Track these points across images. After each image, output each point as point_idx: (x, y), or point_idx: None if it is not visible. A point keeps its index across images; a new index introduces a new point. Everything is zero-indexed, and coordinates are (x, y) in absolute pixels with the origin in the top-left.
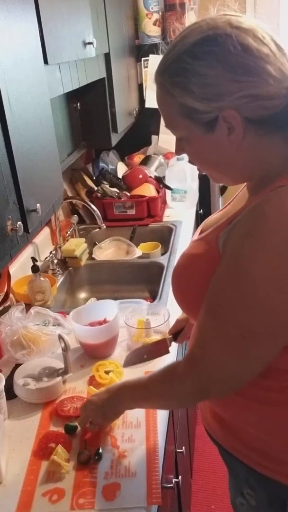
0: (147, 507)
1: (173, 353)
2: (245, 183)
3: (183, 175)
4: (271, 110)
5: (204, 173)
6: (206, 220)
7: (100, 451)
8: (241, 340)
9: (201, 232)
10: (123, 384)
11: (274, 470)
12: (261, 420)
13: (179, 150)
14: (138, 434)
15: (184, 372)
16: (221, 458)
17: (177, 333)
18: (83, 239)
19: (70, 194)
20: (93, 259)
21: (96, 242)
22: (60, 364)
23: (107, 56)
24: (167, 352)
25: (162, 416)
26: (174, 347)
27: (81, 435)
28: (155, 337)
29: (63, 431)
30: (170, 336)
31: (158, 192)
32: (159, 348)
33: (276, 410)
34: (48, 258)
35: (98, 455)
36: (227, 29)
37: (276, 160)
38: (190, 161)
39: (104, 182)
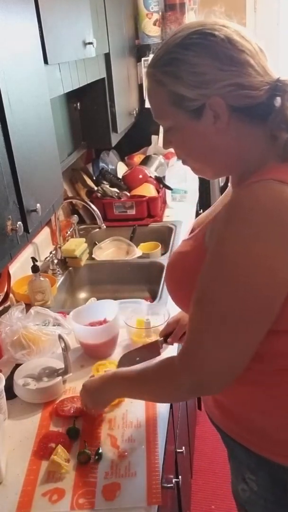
0: (147, 507)
1: (172, 351)
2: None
3: (183, 175)
4: (253, 100)
5: (187, 166)
6: (197, 218)
7: (100, 451)
8: (228, 328)
9: (192, 231)
10: (116, 373)
11: (272, 451)
12: (257, 402)
13: (166, 143)
14: (138, 434)
15: (180, 368)
16: (223, 445)
17: (168, 335)
18: (83, 239)
19: (70, 194)
20: (93, 259)
21: (96, 242)
22: (60, 364)
23: (107, 56)
24: (158, 354)
25: (162, 416)
26: (172, 347)
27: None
28: (155, 338)
29: (64, 432)
30: (161, 338)
31: (158, 192)
32: (151, 350)
33: (270, 391)
34: (48, 258)
35: (98, 455)
36: (214, 25)
37: (255, 153)
38: (177, 154)
39: (104, 182)
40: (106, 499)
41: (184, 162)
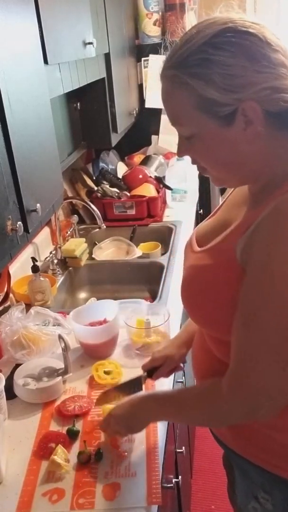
0: (147, 507)
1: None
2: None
3: (183, 175)
4: (287, 104)
5: (206, 175)
6: (197, 227)
7: (100, 451)
8: (285, 348)
9: (197, 241)
10: (151, 397)
11: None
12: (278, 422)
13: (184, 151)
14: (138, 434)
15: (230, 393)
16: (224, 462)
17: (152, 370)
18: (83, 239)
19: (70, 194)
20: (93, 259)
21: (96, 242)
22: (60, 364)
23: (107, 56)
24: (140, 389)
25: None
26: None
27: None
28: (155, 338)
29: (64, 432)
30: (145, 373)
31: (158, 192)
32: (133, 386)
33: None
34: (48, 258)
35: (98, 455)
36: (245, 22)
37: (286, 159)
38: (195, 162)
39: (104, 182)
40: (106, 499)
41: (203, 172)
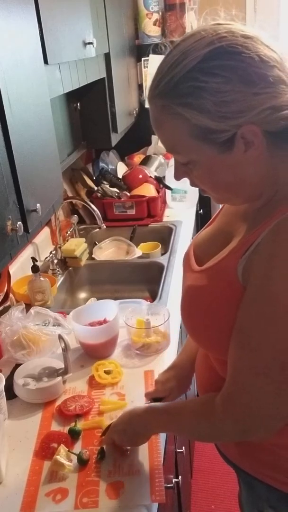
0: (149, 505)
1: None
2: None
3: None
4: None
5: (207, 195)
6: (195, 237)
7: (103, 450)
8: (281, 371)
9: (195, 252)
10: (150, 410)
11: None
12: (284, 439)
13: (182, 174)
14: None
15: (224, 412)
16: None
17: (156, 399)
18: (83, 239)
19: (70, 194)
20: (93, 259)
21: (96, 242)
22: (60, 364)
23: (107, 56)
24: None
25: None
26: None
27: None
28: (155, 337)
29: (65, 431)
30: (149, 401)
31: (158, 192)
32: None
33: None
34: (48, 258)
35: (100, 454)
36: (237, 39)
37: (287, 177)
38: (194, 185)
39: (104, 182)
40: (110, 498)
41: (204, 193)
